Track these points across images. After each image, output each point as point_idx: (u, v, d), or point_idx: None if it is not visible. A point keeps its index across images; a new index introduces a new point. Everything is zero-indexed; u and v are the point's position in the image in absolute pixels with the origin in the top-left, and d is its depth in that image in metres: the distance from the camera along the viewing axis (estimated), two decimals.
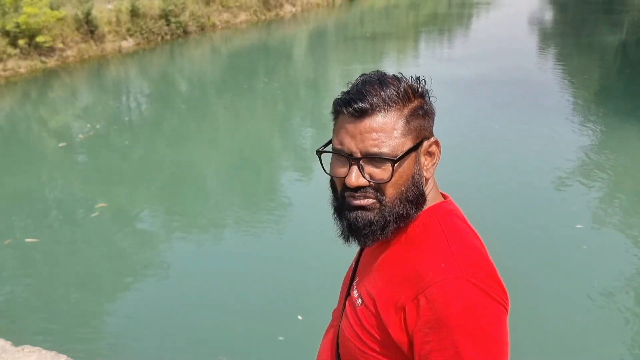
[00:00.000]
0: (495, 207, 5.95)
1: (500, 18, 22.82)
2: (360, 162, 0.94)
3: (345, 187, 0.97)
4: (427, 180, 1.02)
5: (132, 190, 7.35)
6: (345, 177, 0.96)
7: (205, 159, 8.49)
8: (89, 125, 10.28)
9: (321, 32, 22.42)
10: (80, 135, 9.77)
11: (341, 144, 0.96)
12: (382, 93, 0.94)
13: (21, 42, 14.40)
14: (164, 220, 6.55)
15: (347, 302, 1.08)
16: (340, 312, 1.12)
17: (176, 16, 18.77)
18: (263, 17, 23.07)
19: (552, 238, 5.25)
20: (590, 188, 6.34)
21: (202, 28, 20.08)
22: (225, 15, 21.55)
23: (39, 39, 14.66)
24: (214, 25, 20.64)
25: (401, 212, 0.96)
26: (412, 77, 1.01)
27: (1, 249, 5.64)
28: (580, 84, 11.76)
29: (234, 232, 6.06)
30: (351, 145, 0.94)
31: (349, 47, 18.21)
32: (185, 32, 19.20)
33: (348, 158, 0.95)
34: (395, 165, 0.93)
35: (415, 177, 0.97)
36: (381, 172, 0.94)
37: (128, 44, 17.14)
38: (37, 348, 1.97)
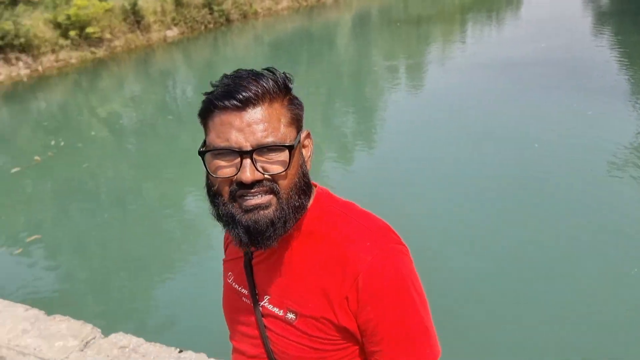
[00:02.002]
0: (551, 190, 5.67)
1: None
2: (254, 155, 0.88)
3: (236, 188, 0.90)
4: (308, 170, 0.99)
5: (185, 174, 7.44)
6: (234, 175, 0.89)
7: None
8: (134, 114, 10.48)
9: (364, 16, 22.06)
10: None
11: (227, 140, 0.88)
12: (263, 83, 0.90)
13: (72, 33, 14.83)
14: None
15: (265, 324, 1.00)
16: (253, 339, 1.03)
17: (219, 4, 18.87)
18: (305, 4, 22.91)
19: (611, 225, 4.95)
20: None
21: (245, 16, 20.13)
22: (267, 2, 21.52)
23: (89, 30, 15.06)
24: (256, 13, 20.65)
25: (297, 204, 0.93)
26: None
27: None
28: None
29: None
30: (240, 140, 0.88)
31: (392, 32, 17.84)
32: (228, 20, 19.30)
33: (239, 153, 0.88)
34: (292, 152, 0.90)
35: (302, 166, 0.95)
36: (277, 164, 0.89)
37: (172, 33, 17.37)
38: (66, 317, 2.08)
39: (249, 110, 0.88)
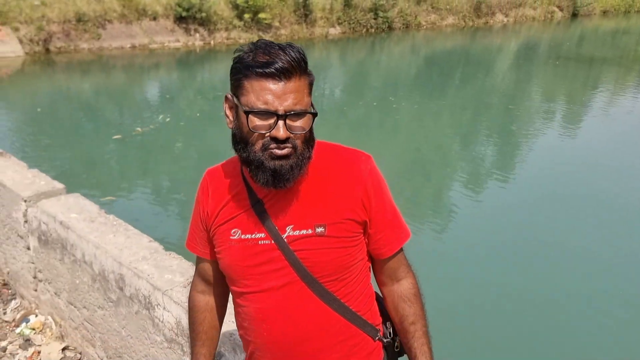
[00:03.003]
0: None
1: None
2: (286, 118, 1.10)
3: (269, 141, 1.11)
4: None
5: None
6: (269, 132, 1.10)
7: (379, 152, 8.50)
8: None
9: (531, 47, 20.89)
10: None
11: (266, 103, 1.09)
12: (295, 56, 1.09)
13: (246, 16, 16.06)
14: None
15: (293, 248, 1.19)
16: (280, 270, 1.19)
17: (385, 11, 19.13)
18: (471, 23, 22.33)
19: None
20: None
21: (407, 26, 20.17)
22: (433, 17, 21.33)
23: (261, 15, 16.19)
24: (419, 25, 20.59)
25: (307, 154, 1.17)
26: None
27: None
28: None
29: None
30: (276, 104, 1.09)
31: (558, 67, 16.68)
32: (390, 28, 19.48)
33: (276, 115, 1.09)
34: (313, 118, 1.15)
35: (311, 127, 1.17)
36: (299, 126, 1.12)
37: (335, 31, 17.97)
38: (179, 256, 2.26)
39: (285, 81, 1.09)
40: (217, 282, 1.37)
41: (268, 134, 1.11)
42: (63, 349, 2.85)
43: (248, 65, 1.11)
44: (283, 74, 1.09)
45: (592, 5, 28.00)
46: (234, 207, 1.24)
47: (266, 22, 16.40)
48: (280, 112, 1.09)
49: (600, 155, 8.30)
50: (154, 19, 15.27)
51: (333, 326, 1.23)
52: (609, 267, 5.03)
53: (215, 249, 1.29)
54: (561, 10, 26.17)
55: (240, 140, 1.16)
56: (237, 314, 1.32)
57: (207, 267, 1.36)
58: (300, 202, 1.21)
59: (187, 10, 15.08)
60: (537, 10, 25.02)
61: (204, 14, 15.26)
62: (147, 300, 2.18)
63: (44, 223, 2.78)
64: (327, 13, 17.88)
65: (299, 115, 1.11)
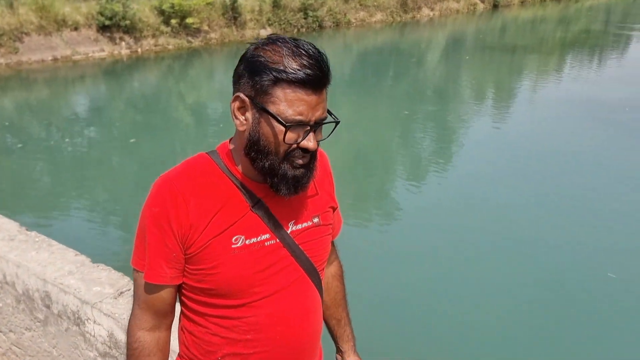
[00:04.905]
0: None
1: None
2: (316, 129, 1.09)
3: (298, 151, 1.09)
4: None
5: None
6: (297, 142, 1.08)
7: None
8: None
9: (457, 39, 21.66)
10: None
11: (300, 114, 1.05)
12: (328, 63, 1.08)
13: (173, 21, 15.68)
14: None
15: (298, 241, 1.19)
16: (287, 267, 1.18)
17: (314, 10, 19.24)
18: (399, 19, 22.87)
19: None
20: None
21: (337, 24, 20.39)
22: (362, 14, 21.68)
23: (189, 20, 15.85)
24: (349, 23, 20.86)
25: (316, 162, 1.17)
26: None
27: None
28: None
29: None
30: (309, 115, 1.06)
31: (484, 57, 17.37)
32: (321, 27, 19.62)
33: (309, 125, 1.07)
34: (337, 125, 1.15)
35: None
36: (321, 132, 1.14)
37: (266, 32, 17.87)
38: (109, 267, 2.16)
39: (319, 91, 1.07)
40: (171, 310, 1.21)
41: (295, 144, 1.08)
42: None
43: (280, 70, 1.03)
44: (319, 85, 1.06)
45: None
46: (230, 213, 1.13)
47: (194, 26, 16.09)
48: (312, 124, 1.07)
49: (530, 140, 8.71)
50: (76, 29, 14.62)
51: (320, 311, 1.30)
52: (553, 252, 5.27)
53: (201, 267, 1.12)
54: (482, 2, 27.27)
55: (263, 148, 1.09)
56: (225, 331, 1.17)
57: (167, 296, 1.17)
58: (297, 196, 1.17)
59: (110, 18, 14.53)
60: (460, 2, 25.95)
61: (128, 22, 14.76)
62: (76, 315, 2.07)
63: None
64: (257, 15, 17.77)
65: (322, 124, 1.12)
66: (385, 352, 3.61)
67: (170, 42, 15.76)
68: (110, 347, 2.00)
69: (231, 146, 1.18)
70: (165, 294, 1.16)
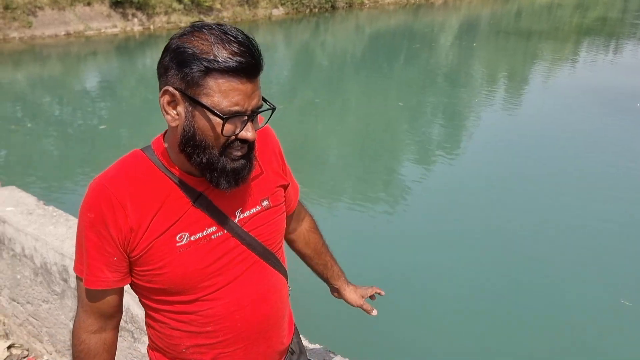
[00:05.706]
0: None
1: None
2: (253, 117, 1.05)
3: (236, 142, 1.05)
4: None
5: None
6: (235, 133, 1.03)
7: (330, 131, 8.54)
8: None
9: (472, 22, 21.36)
10: None
11: (237, 104, 1.00)
12: (259, 49, 1.01)
13: None
14: None
15: (247, 229, 1.17)
16: (239, 255, 1.16)
17: None
18: (412, 1, 22.57)
19: None
20: None
21: (350, 5, 20.18)
22: None
23: None
24: (362, 4, 20.63)
25: (255, 151, 1.13)
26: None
27: None
28: None
29: (347, 205, 6.03)
30: (246, 105, 1.01)
31: (499, 42, 17.16)
32: (334, 7, 19.43)
33: (247, 115, 1.02)
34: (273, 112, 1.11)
35: None
36: (258, 120, 1.11)
37: (278, 12, 17.75)
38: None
39: (253, 79, 1.01)
40: (118, 311, 1.20)
41: (234, 136, 1.03)
42: (9, 347, 2.75)
43: (210, 60, 0.97)
44: (253, 73, 1.00)
45: None
46: (171, 212, 1.09)
47: (207, 4, 16.00)
48: (249, 113, 1.02)
49: (545, 125, 8.65)
50: (89, 4, 14.60)
51: (282, 289, 1.29)
52: (563, 241, 5.28)
53: (148, 268, 1.10)
54: None
55: (200, 143, 1.03)
56: (185, 325, 1.17)
57: (112, 299, 1.15)
58: (245, 187, 1.16)
59: None
60: None
61: None
62: None
63: None
64: None
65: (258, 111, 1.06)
66: (388, 338, 3.67)
67: (182, 20, 15.70)
68: (126, 322, 2.06)
69: (165, 143, 1.11)
70: (110, 297, 1.15)
